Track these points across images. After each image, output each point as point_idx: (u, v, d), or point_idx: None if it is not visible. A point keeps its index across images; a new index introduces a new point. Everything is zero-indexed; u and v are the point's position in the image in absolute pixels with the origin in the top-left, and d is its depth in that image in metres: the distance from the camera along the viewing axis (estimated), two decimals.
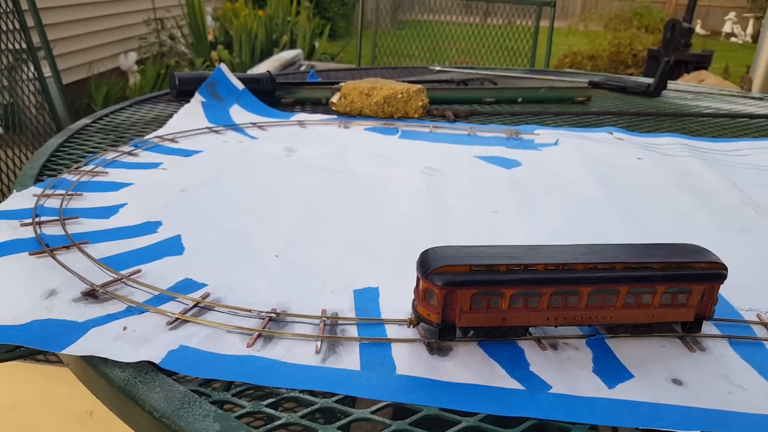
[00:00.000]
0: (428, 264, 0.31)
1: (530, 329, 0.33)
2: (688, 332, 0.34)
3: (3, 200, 1.06)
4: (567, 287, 0.31)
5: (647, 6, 7.33)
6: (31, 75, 1.13)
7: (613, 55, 4.98)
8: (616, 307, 0.32)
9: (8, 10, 1.11)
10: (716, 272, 0.32)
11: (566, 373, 0.31)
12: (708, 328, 0.35)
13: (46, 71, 1.16)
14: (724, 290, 0.39)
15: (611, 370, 0.31)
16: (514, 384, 0.29)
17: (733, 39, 8.68)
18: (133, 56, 3.75)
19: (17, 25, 1.12)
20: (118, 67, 3.73)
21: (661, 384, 0.30)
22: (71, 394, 0.60)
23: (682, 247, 0.33)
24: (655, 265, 0.32)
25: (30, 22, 1.14)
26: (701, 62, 2.48)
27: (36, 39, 1.16)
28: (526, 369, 0.31)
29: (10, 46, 1.10)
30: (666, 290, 0.32)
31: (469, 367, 0.31)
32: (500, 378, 0.30)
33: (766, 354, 0.33)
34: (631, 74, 4.52)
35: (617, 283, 0.31)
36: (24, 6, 1.14)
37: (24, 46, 1.12)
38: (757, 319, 0.36)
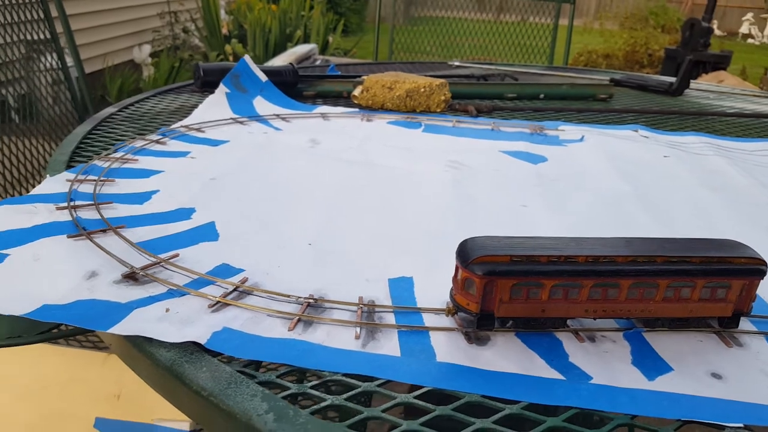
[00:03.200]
0: (468, 253, 0.31)
1: (568, 321, 0.33)
2: (725, 327, 0.34)
3: (21, 189, 1.07)
4: (607, 279, 0.31)
5: (663, 5, 7.26)
6: (49, 65, 1.14)
7: (629, 55, 4.94)
8: (655, 301, 0.32)
9: (32, 0, 1.12)
10: (756, 268, 0.32)
11: (605, 364, 0.31)
12: (744, 324, 0.35)
13: (67, 63, 1.17)
14: (760, 288, 0.39)
15: (650, 363, 0.31)
16: (554, 374, 0.30)
17: (750, 40, 8.58)
18: (147, 49, 3.77)
19: (41, 15, 1.13)
20: (132, 59, 3.75)
21: (700, 377, 0.30)
22: (99, 377, 0.60)
23: (722, 242, 0.34)
24: (695, 259, 0.32)
25: (53, 12, 1.15)
26: (720, 63, 2.46)
27: (59, 29, 1.17)
28: (566, 360, 0.31)
29: (32, 37, 1.11)
30: (705, 285, 0.32)
31: (508, 357, 0.31)
32: (540, 368, 0.30)
33: None
34: (647, 74, 4.49)
35: (657, 277, 0.31)
36: None
37: (46, 36, 1.13)
38: None
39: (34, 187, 1.15)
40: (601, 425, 0.27)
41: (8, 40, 1.05)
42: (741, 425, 0.27)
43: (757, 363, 0.32)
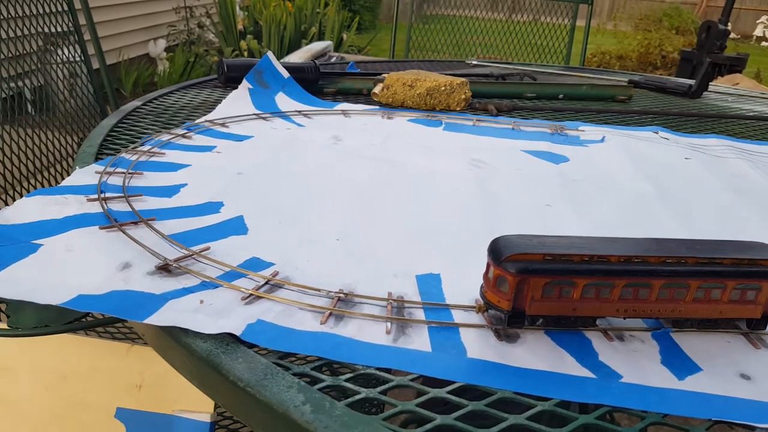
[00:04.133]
0: (501, 251, 0.32)
1: (597, 320, 0.33)
2: (754, 329, 0.34)
3: (39, 180, 1.08)
4: (639, 279, 0.31)
5: (677, 7, 7.19)
6: (66, 58, 1.15)
7: (642, 56, 4.91)
8: (685, 301, 0.32)
9: None
10: None
11: (635, 363, 0.31)
12: None
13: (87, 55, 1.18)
14: None
15: (679, 363, 0.31)
16: (584, 372, 0.30)
17: (764, 43, 8.49)
18: (162, 43, 3.80)
19: (64, 7, 1.14)
20: (147, 53, 3.78)
21: (730, 378, 0.30)
22: (121, 367, 0.61)
23: (752, 244, 0.34)
24: (726, 260, 0.32)
25: (77, 4, 1.16)
26: (735, 65, 2.44)
27: (81, 21, 1.18)
28: (596, 358, 0.31)
29: (54, 29, 1.12)
30: (736, 286, 0.32)
31: (538, 355, 0.31)
32: (570, 366, 0.30)
33: None
34: (662, 75, 4.46)
35: (689, 277, 0.32)
36: None
37: (69, 28, 1.15)
38: None
39: (54, 178, 1.16)
40: (632, 424, 0.27)
41: (26, 32, 1.07)
42: None
43: None
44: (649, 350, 0.32)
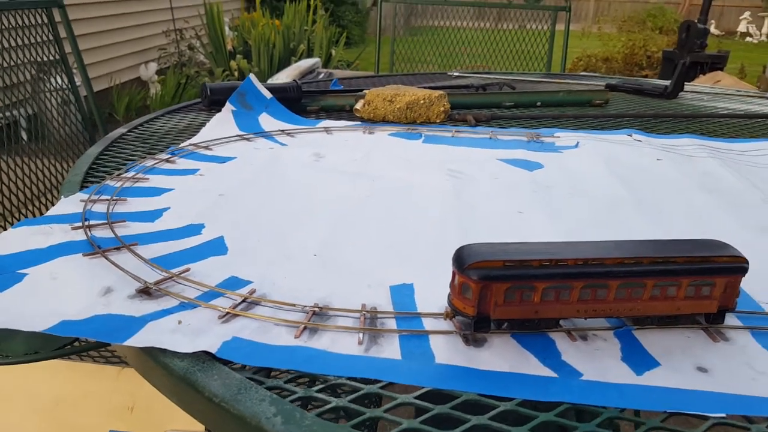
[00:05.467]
0: (464, 259, 0.33)
1: (561, 321, 0.35)
2: (712, 323, 0.35)
3: (33, 209, 1.10)
4: (596, 281, 0.33)
5: (661, 7, 7.28)
6: (58, 86, 1.17)
7: (628, 57, 4.96)
8: (643, 300, 0.34)
9: (42, 22, 1.16)
10: (738, 266, 0.34)
11: (596, 361, 0.32)
12: (731, 320, 0.37)
13: (76, 83, 1.20)
14: (747, 285, 0.40)
15: (639, 359, 0.33)
16: (547, 372, 0.31)
17: (748, 39, 8.58)
18: (153, 66, 3.83)
19: (50, 37, 1.16)
20: (138, 77, 3.81)
21: (687, 371, 0.32)
22: (112, 390, 0.62)
23: (705, 242, 0.35)
24: (680, 259, 0.33)
25: (62, 33, 1.19)
26: (717, 63, 2.48)
27: (67, 50, 1.20)
28: (558, 358, 0.32)
29: (41, 58, 1.14)
30: (690, 283, 0.34)
31: (504, 357, 0.33)
32: (534, 366, 0.32)
33: None
34: (646, 76, 4.51)
35: (644, 277, 0.33)
36: (57, 18, 1.18)
37: (56, 57, 1.17)
38: None
39: (46, 206, 1.18)
40: (591, 418, 0.28)
41: (18, 61, 1.09)
42: (723, 415, 0.29)
43: (743, 357, 0.33)
44: (611, 348, 0.34)
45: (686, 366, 0.32)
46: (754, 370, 0.32)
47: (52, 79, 1.18)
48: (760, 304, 0.39)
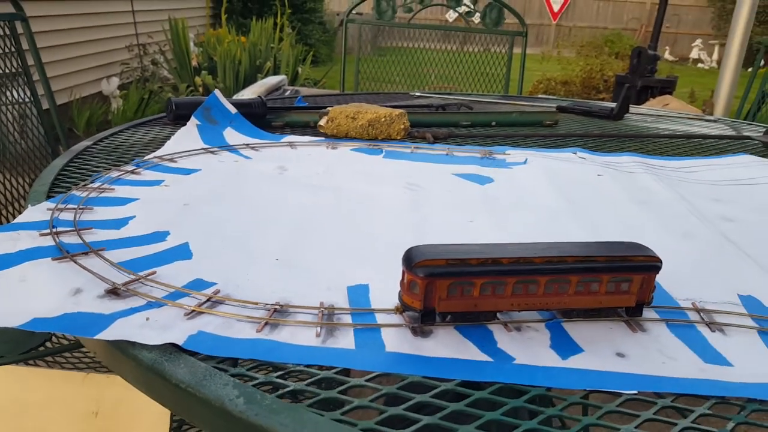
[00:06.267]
0: (412, 259, 0.37)
1: (498, 314, 0.39)
2: (632, 316, 0.40)
3: None
4: (527, 277, 0.37)
5: (618, 33, 7.62)
6: (17, 98, 1.17)
7: (586, 81, 5.17)
8: (569, 294, 0.38)
9: (4, 34, 1.16)
10: (652, 264, 0.38)
11: (528, 348, 0.36)
12: (650, 314, 0.41)
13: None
14: (666, 283, 0.45)
15: (565, 346, 0.37)
16: (484, 357, 0.35)
17: (700, 65, 9.04)
18: (115, 81, 3.80)
19: (12, 48, 1.16)
20: (100, 91, 3.76)
21: (606, 356, 0.36)
22: (77, 396, 0.63)
23: (625, 244, 0.40)
24: (601, 258, 0.38)
25: (24, 45, 1.19)
26: (666, 87, 2.63)
27: (29, 62, 1.20)
28: (495, 346, 0.36)
29: (2, 71, 1.14)
30: (610, 279, 0.38)
31: (447, 345, 0.36)
32: (473, 353, 0.36)
33: (697, 334, 0.40)
34: (603, 99, 4.70)
35: (569, 274, 0.37)
36: (19, 30, 1.19)
37: (17, 69, 1.17)
38: (692, 307, 0.43)
39: (7, 218, 1.17)
40: (520, 396, 0.32)
41: None
42: (635, 392, 0.33)
43: (656, 344, 0.38)
44: (541, 337, 0.38)
45: (606, 352, 0.36)
46: (665, 355, 0.37)
47: (13, 92, 1.18)
48: (676, 300, 0.44)
